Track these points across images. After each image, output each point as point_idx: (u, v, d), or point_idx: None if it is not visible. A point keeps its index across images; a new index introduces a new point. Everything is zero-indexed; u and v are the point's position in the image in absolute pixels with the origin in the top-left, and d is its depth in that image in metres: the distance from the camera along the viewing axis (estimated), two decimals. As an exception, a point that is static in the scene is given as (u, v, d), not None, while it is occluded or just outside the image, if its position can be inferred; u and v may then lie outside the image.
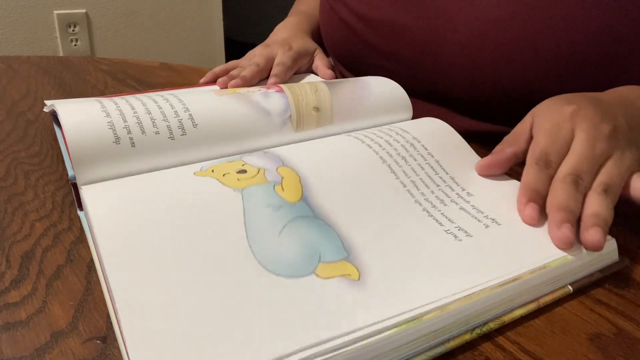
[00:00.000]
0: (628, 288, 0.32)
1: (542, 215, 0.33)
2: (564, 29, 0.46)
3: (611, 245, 0.33)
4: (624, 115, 0.38)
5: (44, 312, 0.28)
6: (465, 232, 0.32)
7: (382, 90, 0.48)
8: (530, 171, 0.34)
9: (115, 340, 0.26)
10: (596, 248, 0.31)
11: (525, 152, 0.38)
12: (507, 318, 0.29)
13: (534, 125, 0.38)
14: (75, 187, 0.34)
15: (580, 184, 0.33)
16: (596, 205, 0.32)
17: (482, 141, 0.51)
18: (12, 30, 1.66)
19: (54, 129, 0.47)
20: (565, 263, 0.31)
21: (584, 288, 0.32)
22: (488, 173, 0.38)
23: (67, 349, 0.26)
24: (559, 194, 0.33)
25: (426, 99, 0.57)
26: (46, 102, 0.46)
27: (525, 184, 0.34)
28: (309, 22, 0.72)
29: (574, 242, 0.31)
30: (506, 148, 0.38)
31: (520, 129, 0.39)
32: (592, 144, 0.34)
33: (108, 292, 0.28)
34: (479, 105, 0.54)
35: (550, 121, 0.36)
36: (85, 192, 0.33)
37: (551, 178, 0.34)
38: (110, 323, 0.27)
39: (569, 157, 0.34)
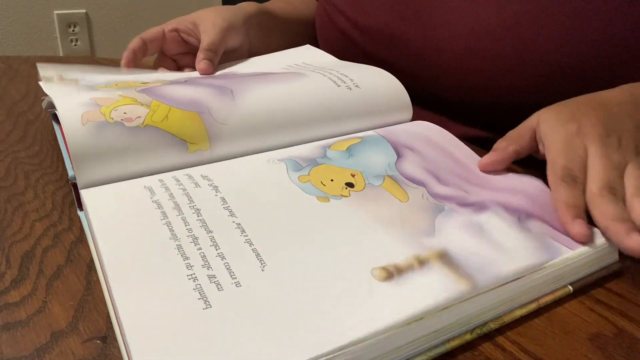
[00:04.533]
0: (628, 288, 0.32)
1: (589, 229, 0.33)
2: (558, 40, 0.46)
3: (611, 245, 0.33)
4: (631, 117, 0.38)
5: (44, 312, 0.28)
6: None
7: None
8: (561, 189, 0.34)
9: (115, 340, 0.26)
10: None
11: (526, 150, 0.39)
12: (507, 318, 0.29)
13: (544, 139, 0.38)
14: (75, 187, 0.34)
15: (617, 194, 0.33)
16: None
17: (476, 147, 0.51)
18: (12, 30, 1.66)
19: (54, 129, 0.47)
20: (566, 263, 0.31)
21: (584, 288, 0.32)
22: (491, 169, 0.39)
23: (67, 349, 0.26)
24: (607, 208, 0.33)
25: (422, 105, 0.57)
26: (44, 97, 0.46)
27: (564, 201, 0.34)
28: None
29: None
30: (509, 146, 0.39)
31: (525, 128, 0.40)
32: (607, 155, 0.35)
33: (108, 292, 0.28)
34: (475, 112, 0.55)
35: (561, 139, 0.37)
36: (86, 193, 0.33)
37: (582, 192, 0.34)
38: (110, 323, 0.27)
39: (592, 171, 0.35)
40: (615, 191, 0.33)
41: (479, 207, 0.34)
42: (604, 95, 0.41)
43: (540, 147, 0.39)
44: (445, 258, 0.30)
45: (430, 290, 0.27)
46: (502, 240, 0.31)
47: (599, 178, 0.34)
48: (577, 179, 0.35)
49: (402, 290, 0.27)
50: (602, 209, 0.33)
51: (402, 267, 0.29)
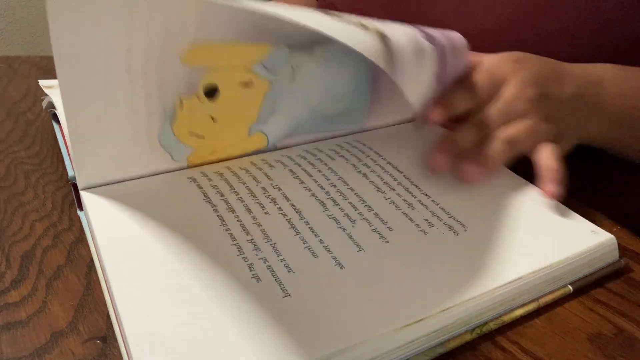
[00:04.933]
0: (628, 288, 0.32)
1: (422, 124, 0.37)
2: (558, 40, 0.46)
3: (611, 244, 0.33)
4: (574, 89, 0.38)
5: (44, 312, 0.28)
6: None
7: None
8: (452, 91, 0.36)
9: (115, 340, 0.27)
10: (465, 179, 0.33)
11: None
12: (507, 318, 0.29)
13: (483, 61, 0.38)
14: (75, 187, 0.34)
15: (480, 129, 0.35)
16: (490, 148, 0.34)
17: None
18: (12, 30, 1.66)
19: (54, 129, 0.47)
20: (566, 263, 0.31)
21: (584, 288, 0.32)
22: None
23: (67, 349, 0.26)
24: (463, 134, 0.35)
25: None
26: (44, 97, 0.46)
27: (437, 98, 0.35)
28: None
29: (444, 168, 0.34)
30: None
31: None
32: (511, 102, 0.36)
33: (108, 292, 0.28)
34: None
35: (495, 66, 0.37)
36: (86, 193, 0.33)
37: (458, 103, 0.36)
38: (110, 323, 0.27)
39: (489, 106, 0.36)
40: (481, 127, 0.35)
41: (430, 38, 0.34)
42: (569, 64, 0.41)
43: None
44: (384, 39, 0.29)
45: (361, 40, 0.28)
46: (424, 72, 0.32)
47: (487, 114, 0.35)
48: (468, 93, 0.36)
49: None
50: (461, 133, 0.35)
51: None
